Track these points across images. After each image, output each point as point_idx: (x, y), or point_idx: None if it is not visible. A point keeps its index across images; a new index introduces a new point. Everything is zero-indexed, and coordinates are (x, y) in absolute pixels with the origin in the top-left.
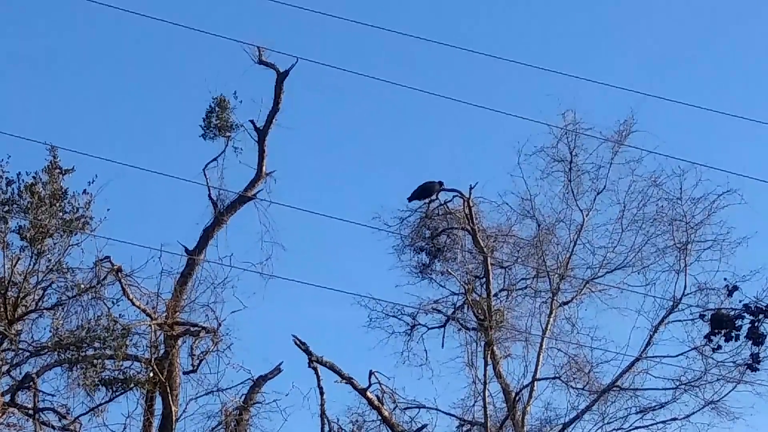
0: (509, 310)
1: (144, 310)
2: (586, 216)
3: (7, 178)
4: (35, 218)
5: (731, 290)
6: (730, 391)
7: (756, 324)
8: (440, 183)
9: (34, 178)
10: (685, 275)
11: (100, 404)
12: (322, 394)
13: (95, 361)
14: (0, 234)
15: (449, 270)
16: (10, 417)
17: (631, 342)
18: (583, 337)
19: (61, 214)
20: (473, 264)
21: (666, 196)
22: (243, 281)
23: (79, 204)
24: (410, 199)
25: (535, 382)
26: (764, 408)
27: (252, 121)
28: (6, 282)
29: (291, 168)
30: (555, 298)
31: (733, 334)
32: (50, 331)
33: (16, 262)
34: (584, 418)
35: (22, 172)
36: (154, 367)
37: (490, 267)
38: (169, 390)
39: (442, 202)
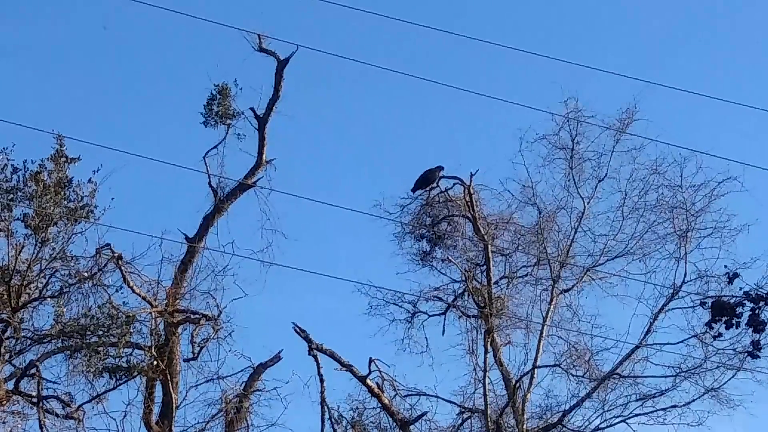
0: (510, 297)
1: (144, 298)
2: (587, 204)
3: (12, 165)
4: (40, 206)
5: (732, 277)
6: (730, 379)
7: (756, 311)
8: (440, 168)
9: (39, 166)
10: (686, 263)
11: (103, 392)
12: (322, 381)
13: (98, 348)
14: (4, 222)
15: (450, 257)
16: (14, 405)
17: (631, 329)
18: (584, 325)
19: (65, 202)
20: (474, 251)
21: (667, 184)
22: (243, 269)
23: (83, 192)
24: (414, 190)
25: (536, 370)
26: (764, 395)
27: (252, 109)
28: (10, 270)
29: (291, 156)
30: (555, 285)
31: (733, 322)
32: (53, 319)
33: (20, 250)
34: (584, 406)
35: (28, 161)
36: (155, 354)
37: (490, 254)
38: (169, 377)
39: (443, 190)
